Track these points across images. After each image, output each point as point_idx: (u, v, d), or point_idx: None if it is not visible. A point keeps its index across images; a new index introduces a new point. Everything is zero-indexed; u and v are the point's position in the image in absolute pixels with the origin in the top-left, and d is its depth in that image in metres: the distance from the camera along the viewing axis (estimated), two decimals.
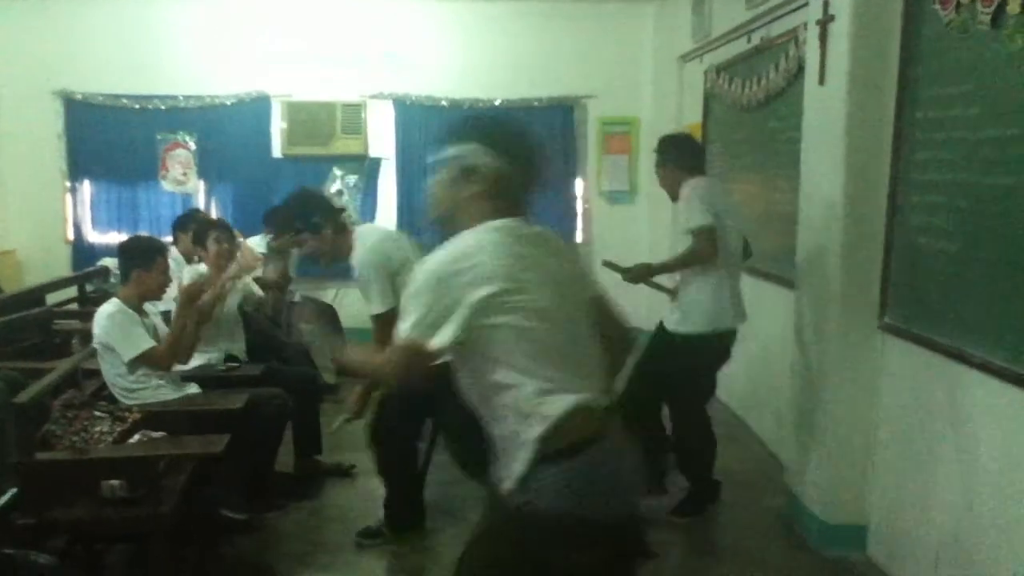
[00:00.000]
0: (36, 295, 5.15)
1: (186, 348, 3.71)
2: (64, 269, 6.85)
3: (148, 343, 3.51)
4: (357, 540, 3.66)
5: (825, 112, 3.53)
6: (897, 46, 3.24)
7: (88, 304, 5.29)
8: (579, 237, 7.63)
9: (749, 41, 5.14)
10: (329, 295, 6.61)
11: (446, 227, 1.91)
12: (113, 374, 3.56)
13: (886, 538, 3.39)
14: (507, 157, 1.89)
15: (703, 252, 3.60)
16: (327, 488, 4.25)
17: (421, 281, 1.78)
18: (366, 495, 4.07)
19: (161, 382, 3.62)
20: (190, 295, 3.68)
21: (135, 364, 3.51)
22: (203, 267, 4.34)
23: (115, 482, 2.88)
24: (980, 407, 2.75)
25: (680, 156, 3.82)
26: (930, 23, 3.05)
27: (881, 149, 3.32)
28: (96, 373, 3.62)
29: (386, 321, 3.13)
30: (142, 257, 3.61)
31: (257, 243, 6.13)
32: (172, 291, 3.99)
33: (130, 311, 3.54)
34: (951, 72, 2.92)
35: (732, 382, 3.97)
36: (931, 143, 3.05)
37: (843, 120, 3.36)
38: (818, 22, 3.52)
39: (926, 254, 3.08)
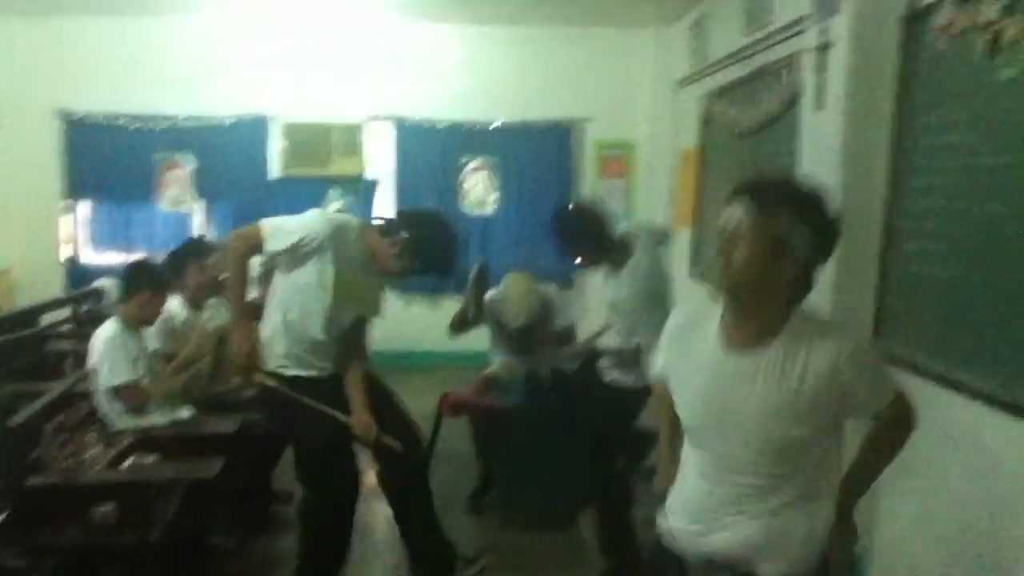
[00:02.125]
0: (29, 316, 5.12)
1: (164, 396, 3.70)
2: (58, 289, 6.82)
3: (129, 376, 3.46)
4: None
5: (822, 138, 3.54)
6: (894, 73, 3.25)
7: (83, 325, 5.25)
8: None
9: (747, 67, 5.16)
10: None
11: (741, 299, 1.70)
12: (106, 397, 3.53)
13: (887, 566, 3.34)
14: (818, 239, 1.66)
15: None
16: None
17: None
18: (364, 513, 3.88)
19: (153, 405, 3.58)
20: (190, 361, 3.82)
21: (111, 393, 3.47)
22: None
23: (106, 508, 2.85)
24: (974, 435, 2.73)
25: None
26: (927, 50, 3.06)
27: (877, 175, 3.33)
28: (88, 396, 3.59)
29: None
30: (156, 283, 3.61)
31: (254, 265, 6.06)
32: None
33: (129, 334, 3.51)
34: (948, 99, 2.93)
35: None
36: (927, 170, 3.05)
37: (839, 146, 3.37)
38: (816, 48, 3.54)
39: (921, 281, 3.08)
